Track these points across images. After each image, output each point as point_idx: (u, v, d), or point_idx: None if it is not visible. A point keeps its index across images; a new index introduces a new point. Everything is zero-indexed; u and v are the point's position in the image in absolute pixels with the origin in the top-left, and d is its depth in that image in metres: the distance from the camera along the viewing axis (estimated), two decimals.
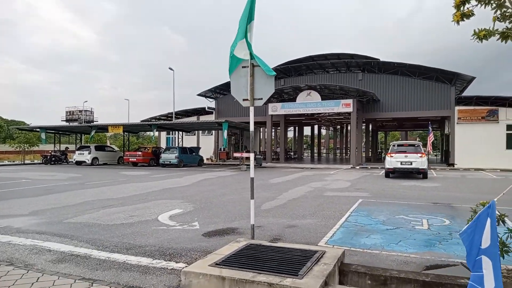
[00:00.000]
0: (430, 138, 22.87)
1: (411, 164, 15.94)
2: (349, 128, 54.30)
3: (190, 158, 26.49)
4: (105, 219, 7.47)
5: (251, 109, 5.23)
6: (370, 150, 39.79)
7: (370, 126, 39.35)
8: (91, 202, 9.69)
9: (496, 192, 11.95)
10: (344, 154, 50.00)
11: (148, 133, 68.90)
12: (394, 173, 16.81)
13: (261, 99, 5.16)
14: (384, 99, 27.55)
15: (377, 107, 27.84)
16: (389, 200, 10.03)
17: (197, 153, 27.73)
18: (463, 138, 25.08)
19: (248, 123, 29.37)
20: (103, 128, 29.72)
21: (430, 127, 24.47)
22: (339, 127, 50.06)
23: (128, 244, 5.62)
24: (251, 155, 5.37)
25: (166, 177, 17.24)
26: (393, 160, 16.32)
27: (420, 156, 15.95)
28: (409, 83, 26.97)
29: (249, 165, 21.72)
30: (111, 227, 6.82)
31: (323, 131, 58.23)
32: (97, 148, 28.82)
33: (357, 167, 24.87)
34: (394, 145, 16.95)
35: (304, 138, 52.09)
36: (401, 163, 16.13)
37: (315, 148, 46.27)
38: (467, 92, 28.06)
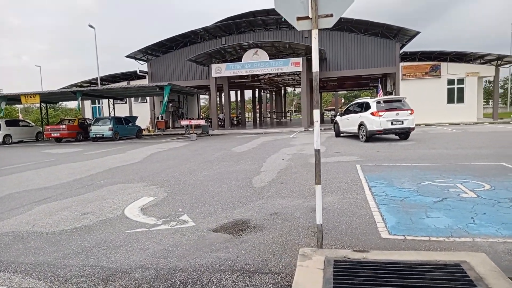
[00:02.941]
0: (380, 96, 22.43)
1: (403, 123, 13.64)
2: (287, 90, 53.72)
3: (126, 130, 23.28)
4: (45, 223, 5.10)
5: (314, 33, 3.15)
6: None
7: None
8: (16, 195, 7.04)
9: (478, 146, 11.59)
10: (282, 118, 49.47)
11: (65, 103, 61.54)
12: (373, 136, 14.09)
13: (332, 15, 3.09)
14: (330, 57, 26.52)
15: (323, 66, 26.77)
16: (388, 163, 8.82)
17: (134, 123, 24.51)
18: (408, 95, 25.08)
19: (194, 87, 26.47)
20: (15, 99, 24.80)
21: (379, 84, 24.13)
22: (275, 89, 48.91)
23: (100, 269, 3.49)
24: (316, 112, 3.38)
25: (105, 154, 14.44)
26: (382, 120, 13.49)
27: (410, 113, 13.79)
28: (355, 40, 26.16)
29: (197, 133, 19.16)
30: (60, 236, 4.53)
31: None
32: (9, 123, 24.06)
33: (310, 129, 23.92)
34: (379, 102, 14.09)
35: (233, 102, 49.88)
36: (392, 123, 13.55)
37: (257, 112, 44.72)
38: (409, 47, 28.13)
